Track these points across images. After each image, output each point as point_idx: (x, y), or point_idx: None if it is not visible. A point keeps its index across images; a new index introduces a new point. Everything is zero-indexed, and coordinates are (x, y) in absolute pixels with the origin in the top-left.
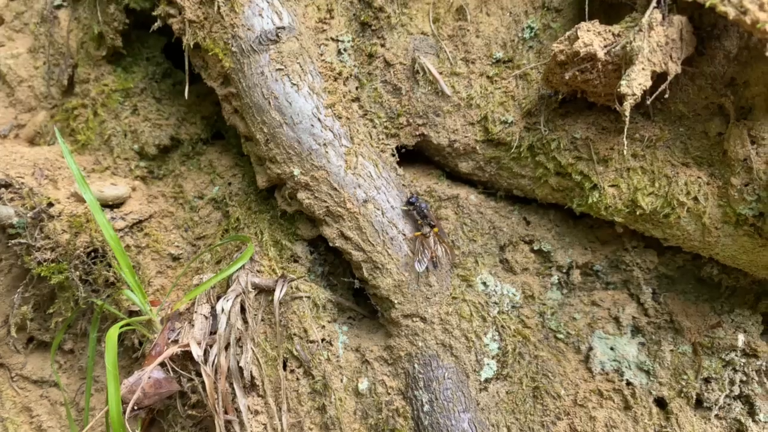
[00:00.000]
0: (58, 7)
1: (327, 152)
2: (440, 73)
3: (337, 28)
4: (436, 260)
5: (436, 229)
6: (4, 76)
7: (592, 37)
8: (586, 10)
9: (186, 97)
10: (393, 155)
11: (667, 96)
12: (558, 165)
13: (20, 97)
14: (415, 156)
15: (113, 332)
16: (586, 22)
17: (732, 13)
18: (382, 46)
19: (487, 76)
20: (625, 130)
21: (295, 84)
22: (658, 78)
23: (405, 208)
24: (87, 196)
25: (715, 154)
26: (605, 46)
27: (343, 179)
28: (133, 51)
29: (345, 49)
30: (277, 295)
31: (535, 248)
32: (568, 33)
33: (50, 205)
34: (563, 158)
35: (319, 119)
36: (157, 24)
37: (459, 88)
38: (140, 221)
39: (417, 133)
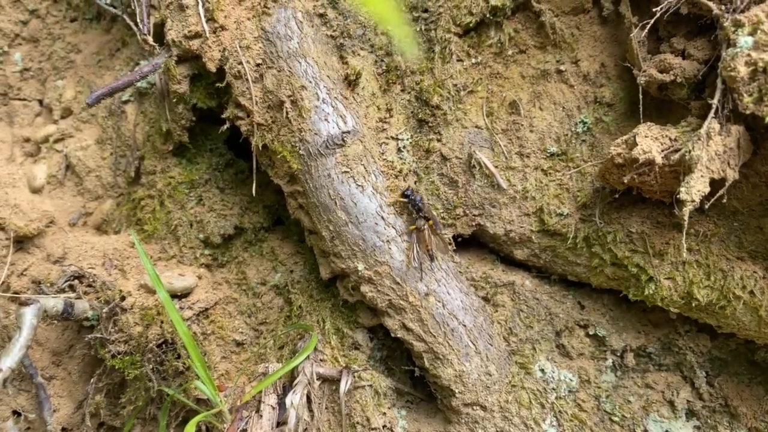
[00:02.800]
0: (126, 102)
1: (390, 248)
2: (496, 167)
3: (396, 126)
4: (431, 252)
5: (430, 222)
6: (73, 166)
7: (651, 143)
8: (641, 108)
9: (253, 194)
10: (450, 244)
11: (724, 200)
12: (614, 257)
13: (88, 186)
14: (469, 241)
15: (190, 428)
16: (643, 126)
17: None
18: (439, 141)
19: (542, 170)
20: (684, 233)
21: (359, 185)
22: (716, 182)
23: (401, 200)
24: (161, 295)
25: None
26: (663, 151)
27: (405, 273)
28: (197, 143)
29: (404, 147)
30: (343, 387)
31: (590, 333)
32: (625, 137)
33: (123, 298)
34: (619, 251)
35: (382, 217)
36: (226, 126)
37: (514, 181)
38: (206, 309)
39: (473, 223)
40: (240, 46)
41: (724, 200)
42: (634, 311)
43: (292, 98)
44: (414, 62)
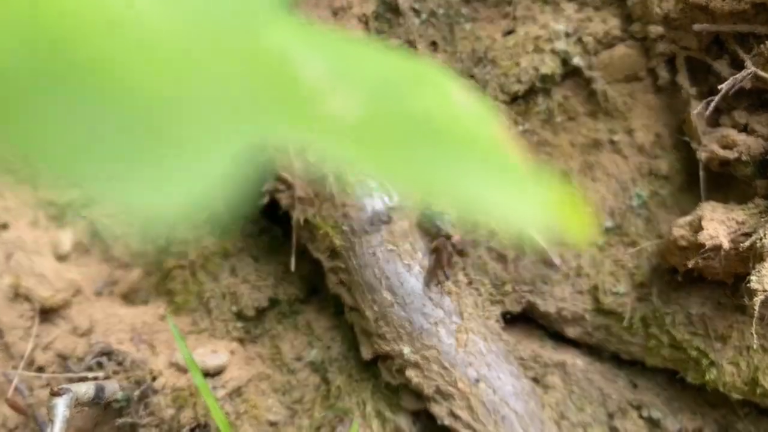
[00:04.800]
0: None
1: (438, 331)
2: (547, 242)
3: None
4: (447, 274)
5: (453, 240)
6: (99, 233)
7: (717, 228)
8: (702, 186)
9: (292, 269)
10: (497, 321)
11: None
12: (672, 339)
13: (115, 253)
14: (517, 316)
15: None
16: (707, 207)
17: None
18: None
19: (596, 245)
20: (754, 324)
21: (406, 264)
22: None
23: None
24: (197, 380)
25: None
26: (729, 234)
27: (453, 358)
28: (230, 210)
29: (450, 221)
30: None
31: (644, 414)
32: (689, 218)
33: (154, 378)
34: (678, 333)
35: (430, 298)
36: (266, 199)
37: (567, 257)
38: (239, 387)
39: (523, 300)
40: None
41: None
42: (690, 391)
43: (335, 172)
44: None
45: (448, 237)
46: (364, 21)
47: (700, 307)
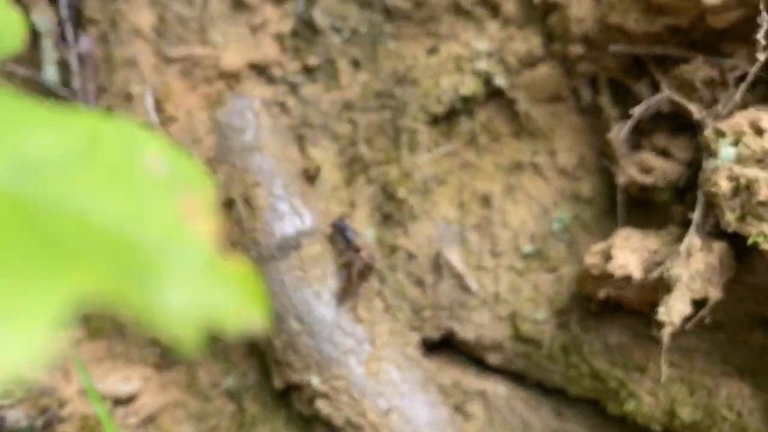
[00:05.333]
0: None
1: (348, 360)
2: (466, 267)
3: (359, 220)
4: (357, 293)
5: (362, 253)
6: None
7: (628, 257)
8: (619, 211)
9: None
10: (417, 348)
11: (708, 321)
12: (591, 368)
13: None
14: (440, 342)
15: None
16: (621, 234)
17: None
18: (405, 236)
19: (515, 270)
20: (663, 356)
21: (316, 291)
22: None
23: (330, 232)
24: (97, 408)
25: (759, 365)
26: (642, 263)
27: (364, 387)
28: None
29: (361, 234)
30: None
31: None
32: (601, 245)
33: (61, 405)
34: (597, 362)
35: (339, 326)
36: None
37: (486, 282)
38: (153, 414)
39: (442, 326)
40: (191, 140)
41: (707, 321)
42: (614, 421)
43: (244, 196)
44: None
45: (358, 250)
46: (280, 40)
47: (618, 336)
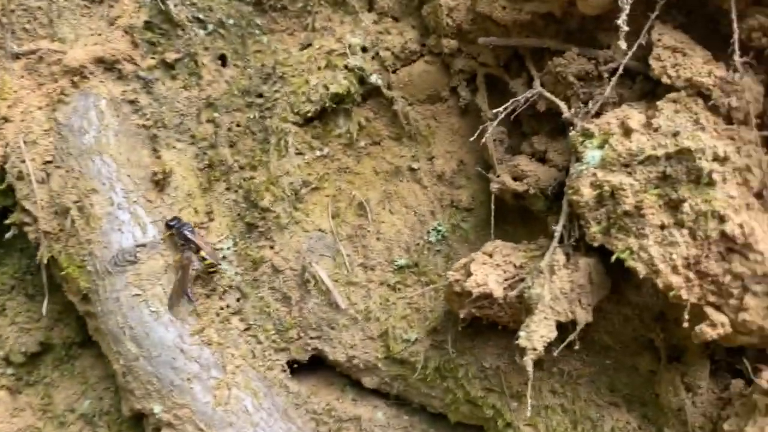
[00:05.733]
0: None
1: (192, 387)
2: (335, 281)
3: (217, 232)
4: (190, 293)
5: (202, 252)
6: None
7: (488, 272)
8: (493, 219)
9: (44, 313)
10: (284, 371)
11: (577, 347)
12: (467, 394)
13: None
14: (317, 362)
15: None
16: (488, 248)
17: (643, 270)
18: (271, 248)
19: (388, 285)
20: (529, 386)
21: (154, 311)
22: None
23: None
24: None
25: (647, 392)
26: (505, 281)
27: (211, 418)
28: (3, 242)
29: (225, 257)
30: None
31: None
32: (464, 260)
33: None
34: (473, 388)
35: (182, 350)
36: (12, 233)
37: (356, 299)
38: None
39: (310, 348)
40: (24, 141)
41: (576, 347)
42: None
43: (79, 204)
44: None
45: (197, 250)
46: (131, 33)
47: (495, 359)
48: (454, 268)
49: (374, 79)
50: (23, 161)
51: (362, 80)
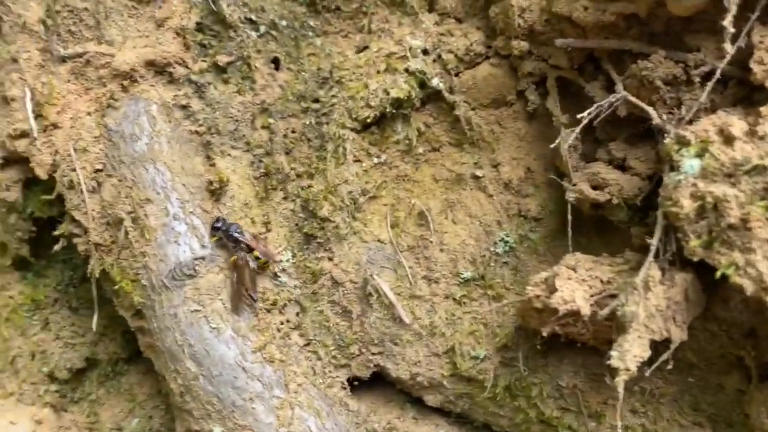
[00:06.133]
0: None
1: (254, 408)
2: (397, 295)
3: (275, 243)
4: (253, 295)
5: (256, 253)
6: None
7: (574, 289)
8: (569, 231)
9: (94, 328)
10: (344, 388)
11: (670, 366)
12: (540, 414)
13: None
14: (375, 378)
15: None
16: (570, 262)
17: (750, 287)
18: (330, 260)
19: (454, 299)
20: (619, 407)
21: (215, 328)
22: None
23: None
24: None
25: (734, 413)
26: (592, 297)
27: None
28: (47, 253)
29: (283, 269)
30: None
31: None
32: (545, 274)
33: None
34: (547, 408)
35: (243, 369)
36: (60, 244)
37: (420, 314)
38: None
39: (372, 364)
40: (74, 149)
41: (669, 366)
42: None
43: (133, 214)
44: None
45: (250, 249)
46: (182, 35)
47: (571, 378)
48: (534, 283)
49: (436, 82)
50: (74, 170)
51: (423, 84)
